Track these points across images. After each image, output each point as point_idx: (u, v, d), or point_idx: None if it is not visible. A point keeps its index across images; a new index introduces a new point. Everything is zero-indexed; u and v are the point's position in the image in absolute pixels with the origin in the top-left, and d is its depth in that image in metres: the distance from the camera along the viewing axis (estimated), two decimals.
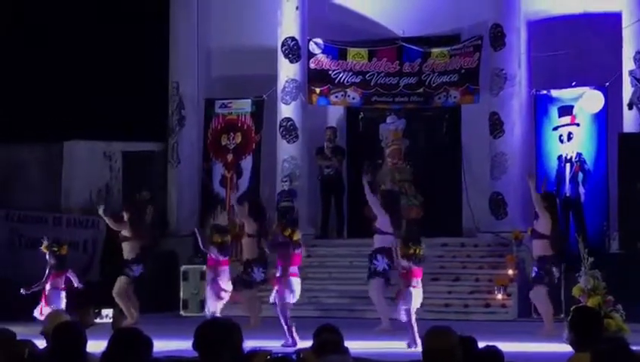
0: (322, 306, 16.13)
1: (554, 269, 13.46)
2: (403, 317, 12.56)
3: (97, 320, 15.25)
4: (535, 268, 13.59)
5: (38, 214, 18.72)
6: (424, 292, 13.05)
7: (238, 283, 14.65)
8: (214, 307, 13.73)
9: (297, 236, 12.82)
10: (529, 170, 15.41)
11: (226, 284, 14.01)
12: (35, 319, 13.36)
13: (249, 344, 5.29)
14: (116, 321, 14.48)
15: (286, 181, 17.75)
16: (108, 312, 15.54)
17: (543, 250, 13.51)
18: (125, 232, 15.16)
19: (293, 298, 12.77)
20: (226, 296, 14.00)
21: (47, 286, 13.86)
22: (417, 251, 12.68)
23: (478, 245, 17.05)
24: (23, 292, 13.94)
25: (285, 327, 12.53)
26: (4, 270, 17.95)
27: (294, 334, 12.45)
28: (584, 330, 5.90)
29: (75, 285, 13.95)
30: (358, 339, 7.32)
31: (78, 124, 19.44)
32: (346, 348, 6.00)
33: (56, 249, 13.92)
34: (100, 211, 15.45)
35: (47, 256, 13.97)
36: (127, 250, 15.12)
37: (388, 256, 13.94)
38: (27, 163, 19.61)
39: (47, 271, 13.90)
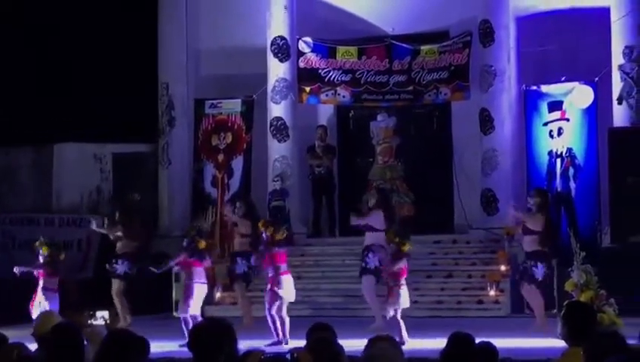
0: (316, 305, 16.12)
1: (538, 265, 13.47)
2: (390, 314, 12.58)
3: (91, 322, 15.19)
4: (521, 264, 13.73)
5: (29, 216, 18.69)
6: (417, 289, 13.06)
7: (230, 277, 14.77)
8: (185, 311, 13.05)
9: (280, 235, 12.84)
10: (512, 205, 14.71)
11: (201, 286, 13.55)
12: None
13: (243, 344, 5.29)
14: (111, 323, 14.40)
15: (277, 180, 17.74)
16: (103, 314, 15.49)
17: (531, 246, 13.57)
18: (119, 233, 15.16)
19: (287, 296, 12.77)
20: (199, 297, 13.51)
21: (40, 289, 13.77)
22: (407, 247, 12.77)
23: (470, 242, 17.07)
24: (17, 271, 13.87)
25: (272, 326, 12.59)
26: None
27: (280, 333, 12.50)
28: (577, 325, 5.91)
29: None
30: (351, 338, 7.30)
31: (68, 126, 19.42)
32: (341, 347, 5.99)
33: (52, 250, 13.86)
34: (93, 226, 15.45)
35: (39, 254, 13.89)
36: (119, 247, 15.14)
37: (379, 252, 13.92)
38: (18, 166, 19.58)
39: (38, 267, 13.78)
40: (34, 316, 13.31)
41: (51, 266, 13.87)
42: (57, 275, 13.88)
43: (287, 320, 12.70)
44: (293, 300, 12.98)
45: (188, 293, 13.06)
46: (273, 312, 12.64)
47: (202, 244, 13.29)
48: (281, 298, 12.71)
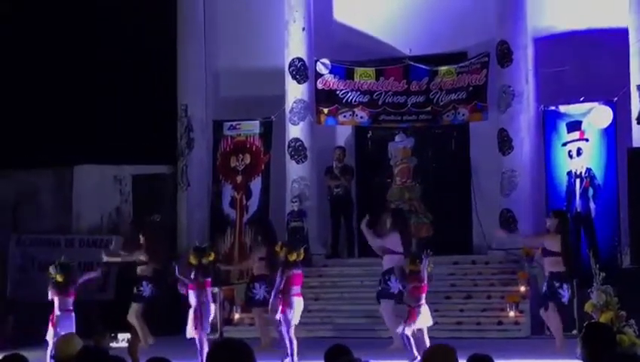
0: (335, 326, 16.11)
1: (564, 286, 13.51)
2: (406, 331, 12.53)
3: (113, 344, 15.22)
4: (545, 285, 13.71)
5: (49, 237, 18.75)
6: (437, 310, 13.04)
7: (247, 302, 14.84)
8: (192, 333, 12.95)
9: (294, 256, 12.84)
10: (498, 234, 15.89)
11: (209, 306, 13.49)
12: (47, 343, 13.32)
13: None
14: (132, 346, 14.41)
15: (296, 201, 17.76)
16: (124, 336, 15.52)
17: (554, 266, 13.57)
18: (142, 256, 15.20)
19: (294, 318, 12.78)
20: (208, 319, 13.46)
21: (56, 309, 13.72)
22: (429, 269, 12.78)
23: (489, 262, 17.03)
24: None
25: (289, 347, 12.64)
26: (19, 293, 17.99)
27: (295, 353, 12.53)
28: (597, 346, 5.89)
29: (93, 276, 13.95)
30: (371, 359, 7.29)
31: (87, 148, 19.52)
32: None
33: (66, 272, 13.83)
34: (105, 258, 15.42)
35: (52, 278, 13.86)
36: (141, 269, 15.20)
37: (400, 276, 13.89)
38: (38, 188, 19.67)
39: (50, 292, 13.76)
40: (48, 339, 13.30)
41: (65, 287, 13.78)
42: (71, 295, 13.75)
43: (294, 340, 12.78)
44: (296, 323, 12.95)
45: (203, 313, 13.06)
46: (291, 334, 12.67)
47: (192, 260, 13.25)
48: (292, 321, 12.74)
